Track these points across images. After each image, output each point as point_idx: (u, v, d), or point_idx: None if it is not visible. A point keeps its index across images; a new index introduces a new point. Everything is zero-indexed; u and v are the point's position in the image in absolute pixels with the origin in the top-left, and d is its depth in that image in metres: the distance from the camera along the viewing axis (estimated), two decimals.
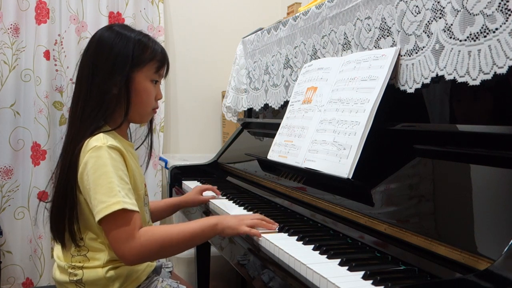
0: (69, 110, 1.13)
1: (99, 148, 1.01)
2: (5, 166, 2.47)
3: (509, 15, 0.79)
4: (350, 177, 1.04)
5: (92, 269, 1.05)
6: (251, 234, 1.06)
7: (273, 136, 1.51)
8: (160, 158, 2.58)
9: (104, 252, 1.05)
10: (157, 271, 1.17)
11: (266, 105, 1.89)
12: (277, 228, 1.09)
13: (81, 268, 1.05)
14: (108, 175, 0.99)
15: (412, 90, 1.05)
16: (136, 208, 1.01)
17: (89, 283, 1.05)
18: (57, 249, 1.13)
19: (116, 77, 1.08)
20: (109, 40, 1.10)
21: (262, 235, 1.04)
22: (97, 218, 0.98)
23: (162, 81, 1.21)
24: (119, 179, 1.00)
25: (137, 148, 1.23)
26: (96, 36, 1.13)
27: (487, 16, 0.83)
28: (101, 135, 1.05)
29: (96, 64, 1.09)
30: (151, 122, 1.26)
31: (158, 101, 1.19)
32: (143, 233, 1.00)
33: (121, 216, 0.98)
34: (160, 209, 1.42)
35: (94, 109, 1.07)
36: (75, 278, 1.05)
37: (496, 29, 0.81)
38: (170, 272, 1.29)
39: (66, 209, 1.04)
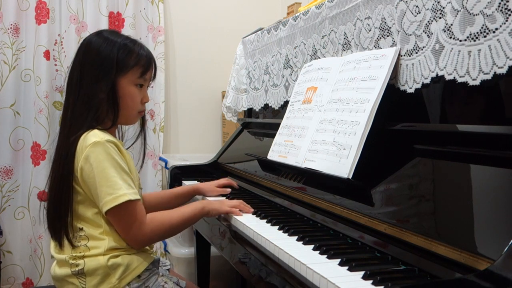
0: (61, 112, 1.18)
1: (98, 143, 1.06)
2: (5, 166, 2.47)
3: (509, 15, 0.79)
4: (350, 177, 1.04)
5: (93, 257, 1.07)
6: (231, 213, 1.24)
7: (273, 136, 1.51)
8: (160, 158, 2.57)
9: (104, 241, 1.08)
10: (155, 264, 1.18)
11: (266, 105, 1.89)
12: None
13: (82, 257, 1.07)
14: (112, 168, 1.06)
15: (412, 90, 1.05)
16: (138, 197, 1.09)
17: (90, 273, 1.07)
18: (56, 244, 1.14)
19: (102, 82, 1.12)
20: (96, 45, 1.14)
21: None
22: (105, 209, 1.04)
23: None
24: (121, 171, 1.07)
25: (128, 148, 1.26)
26: (85, 41, 1.17)
27: (487, 16, 0.83)
28: (96, 130, 1.10)
29: (83, 69, 1.13)
30: (143, 120, 1.28)
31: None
32: (150, 220, 1.11)
33: (127, 207, 1.06)
34: (169, 198, 1.46)
35: (82, 113, 1.11)
36: (76, 269, 1.07)
37: (496, 29, 0.81)
38: (167, 270, 1.30)
39: (62, 196, 1.08)
